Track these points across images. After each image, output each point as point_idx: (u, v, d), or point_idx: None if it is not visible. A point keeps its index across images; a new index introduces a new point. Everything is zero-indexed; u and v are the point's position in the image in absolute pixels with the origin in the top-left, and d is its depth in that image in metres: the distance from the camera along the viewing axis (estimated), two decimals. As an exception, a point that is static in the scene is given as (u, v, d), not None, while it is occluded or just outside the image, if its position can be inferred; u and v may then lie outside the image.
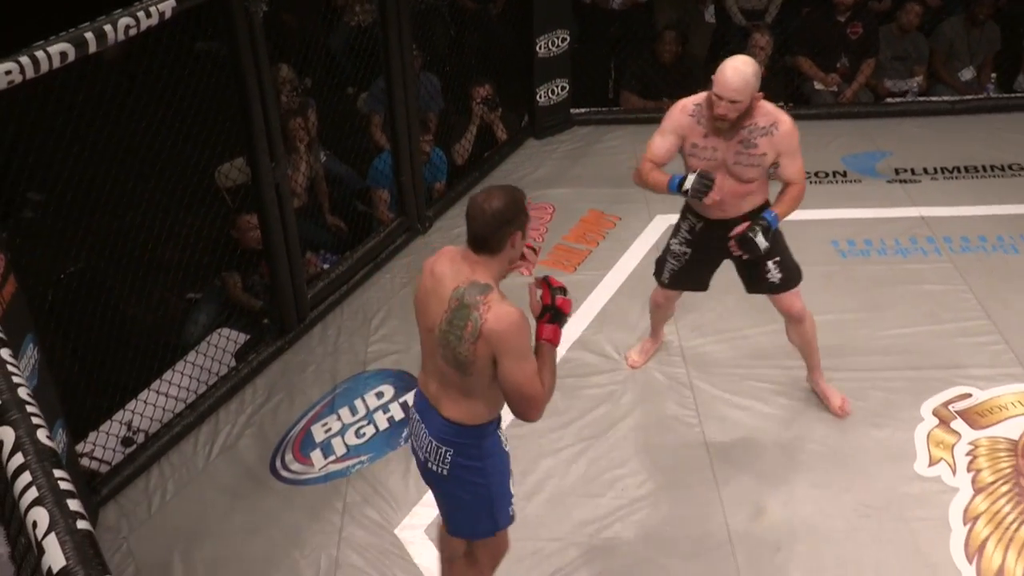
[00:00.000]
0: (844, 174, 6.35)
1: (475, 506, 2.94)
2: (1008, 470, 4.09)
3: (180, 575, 3.69)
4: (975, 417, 4.36)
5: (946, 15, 7.22)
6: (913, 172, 6.35)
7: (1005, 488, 4.00)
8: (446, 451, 2.84)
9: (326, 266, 5.23)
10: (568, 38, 6.52)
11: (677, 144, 3.82)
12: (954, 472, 4.08)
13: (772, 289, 4.03)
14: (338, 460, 4.19)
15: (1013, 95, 7.19)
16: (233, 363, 4.64)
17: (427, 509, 3.88)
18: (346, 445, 4.26)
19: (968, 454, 4.17)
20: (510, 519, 3.02)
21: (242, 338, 4.77)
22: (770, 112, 3.71)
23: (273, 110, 4.37)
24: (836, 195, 6.07)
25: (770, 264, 3.95)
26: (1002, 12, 7.25)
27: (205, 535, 3.85)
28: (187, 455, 4.23)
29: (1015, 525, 3.84)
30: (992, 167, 6.39)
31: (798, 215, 5.76)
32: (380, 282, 5.28)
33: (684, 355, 4.69)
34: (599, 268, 5.35)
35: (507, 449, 2.94)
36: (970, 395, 4.46)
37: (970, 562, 3.70)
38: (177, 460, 4.20)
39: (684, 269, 4.12)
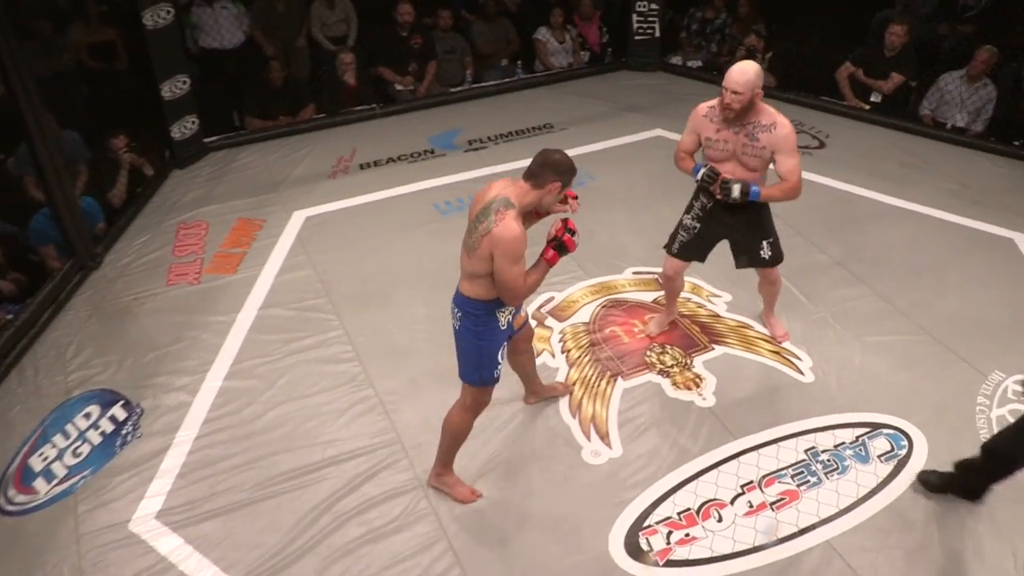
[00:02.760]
0: (432, 151, 6.43)
1: (471, 358, 3.21)
2: (586, 344, 4.39)
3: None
4: (559, 313, 4.62)
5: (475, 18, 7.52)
6: (481, 141, 6.57)
7: (587, 358, 4.29)
8: (458, 313, 3.15)
9: (10, 316, 4.53)
10: (188, 80, 6.05)
11: (696, 138, 3.82)
12: (554, 356, 4.31)
13: (762, 263, 4.02)
14: (61, 482, 3.69)
15: (534, 75, 7.60)
16: (-65, 424, 3.92)
17: (154, 500, 3.59)
18: (66, 467, 3.75)
19: (560, 340, 4.41)
20: (493, 379, 3.25)
21: (-61, 399, 4.04)
22: (772, 115, 3.66)
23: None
24: (430, 168, 6.15)
25: (764, 244, 3.96)
26: (510, 13, 7.65)
27: (-58, 587, 3.26)
28: (-95, 520, 3.53)
29: (596, 381, 4.15)
30: (532, 128, 6.75)
31: (405, 188, 5.88)
32: (66, 320, 4.66)
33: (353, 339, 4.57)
34: (256, 265, 5.05)
35: (504, 329, 3.19)
36: (553, 298, 4.71)
37: (574, 417, 3.95)
38: None
39: (691, 242, 4.03)
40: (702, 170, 3.77)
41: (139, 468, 3.73)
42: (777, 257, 4.04)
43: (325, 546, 3.37)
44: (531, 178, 3.00)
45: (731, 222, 3.92)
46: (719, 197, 3.79)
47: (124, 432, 3.93)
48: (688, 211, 4.04)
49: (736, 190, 3.71)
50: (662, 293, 4.73)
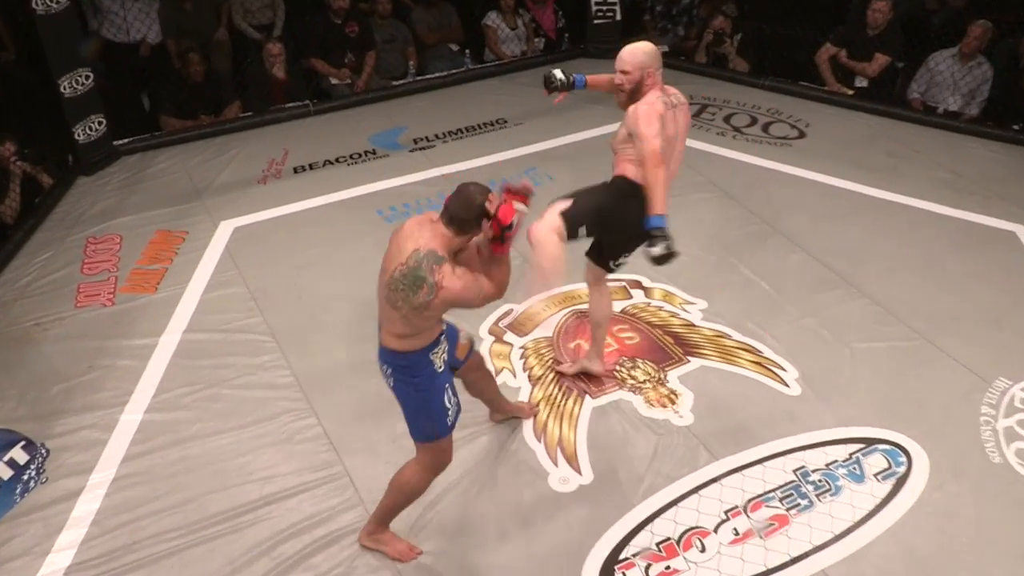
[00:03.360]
0: (374, 152, 6.41)
1: (418, 415, 3.15)
2: (550, 361, 4.40)
3: None
4: (519, 327, 4.63)
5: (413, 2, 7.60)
6: (427, 139, 6.57)
7: (551, 376, 4.30)
8: (388, 370, 3.12)
9: None
10: (91, 75, 5.96)
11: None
12: (515, 375, 4.32)
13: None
14: (-45, 537, 3.58)
15: (484, 65, 7.64)
16: None
17: (62, 554, 3.49)
18: (-42, 521, 3.66)
19: (521, 357, 4.42)
20: (448, 429, 3.18)
21: None
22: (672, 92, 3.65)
23: None
24: (371, 171, 6.14)
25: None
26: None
27: None
28: None
29: (562, 400, 4.16)
30: (483, 124, 6.79)
31: (344, 194, 5.86)
32: (-44, 350, 4.56)
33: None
34: (179, 283, 4.98)
35: (439, 370, 3.12)
36: (511, 311, 4.72)
37: (539, 440, 3.96)
38: None
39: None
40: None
41: (44, 517, 3.63)
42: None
43: (263, 596, 3.33)
44: (455, 225, 2.90)
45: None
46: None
47: (26, 477, 3.83)
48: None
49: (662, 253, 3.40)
50: (631, 302, 4.78)
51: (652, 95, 3.55)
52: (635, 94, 3.58)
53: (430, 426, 3.16)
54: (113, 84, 6.48)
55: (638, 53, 3.56)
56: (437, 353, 3.10)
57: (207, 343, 4.54)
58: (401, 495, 3.33)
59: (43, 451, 3.95)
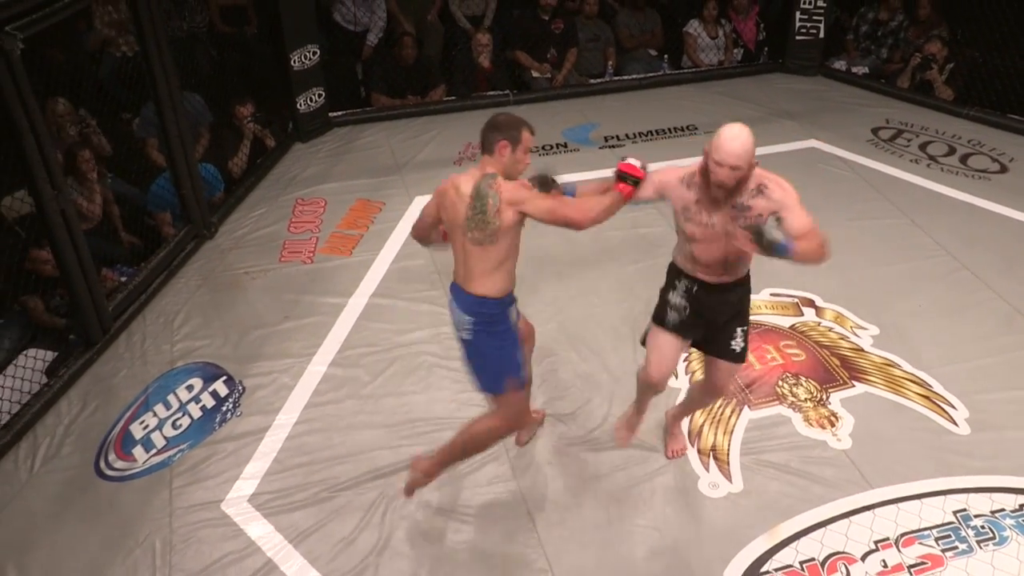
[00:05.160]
0: (565, 145, 6.46)
1: (494, 366, 3.18)
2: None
3: (18, 583, 3.33)
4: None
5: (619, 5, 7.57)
6: (618, 138, 6.55)
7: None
8: (470, 321, 3.13)
9: (124, 279, 4.81)
10: (318, 51, 6.30)
11: (653, 196, 3.20)
12: (676, 376, 4.23)
13: (730, 356, 3.40)
14: (159, 452, 3.88)
15: (680, 71, 7.52)
16: (45, 380, 4.20)
17: (248, 482, 3.72)
18: (165, 438, 3.96)
19: (685, 360, 4.33)
20: (522, 381, 3.24)
21: (50, 356, 4.31)
22: (754, 175, 3.01)
23: (47, 142, 3.94)
24: (561, 163, 6.12)
25: (739, 332, 3.36)
26: (658, 3, 7.64)
27: (38, 542, 3.48)
28: (8, 472, 3.79)
29: (720, 408, 4.06)
30: (674, 129, 6.69)
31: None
32: (176, 287, 4.92)
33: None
34: (372, 249, 5.19)
35: (514, 325, 3.18)
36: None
37: (692, 444, 3.89)
38: None
39: (687, 321, 3.32)
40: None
41: (236, 448, 3.89)
42: (744, 354, 3.43)
43: (417, 549, 3.43)
44: (484, 150, 3.08)
45: (715, 304, 3.31)
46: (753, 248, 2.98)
47: (224, 409, 4.11)
48: (672, 288, 3.35)
49: (772, 229, 2.91)
50: (801, 319, 4.60)
51: (758, 172, 3.03)
52: (734, 192, 3.01)
53: (513, 376, 3.20)
54: (334, 60, 6.78)
55: (748, 146, 2.92)
56: (512, 308, 3.18)
57: (391, 309, 4.71)
58: (472, 445, 3.37)
59: (240, 387, 4.22)
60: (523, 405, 3.35)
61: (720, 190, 2.98)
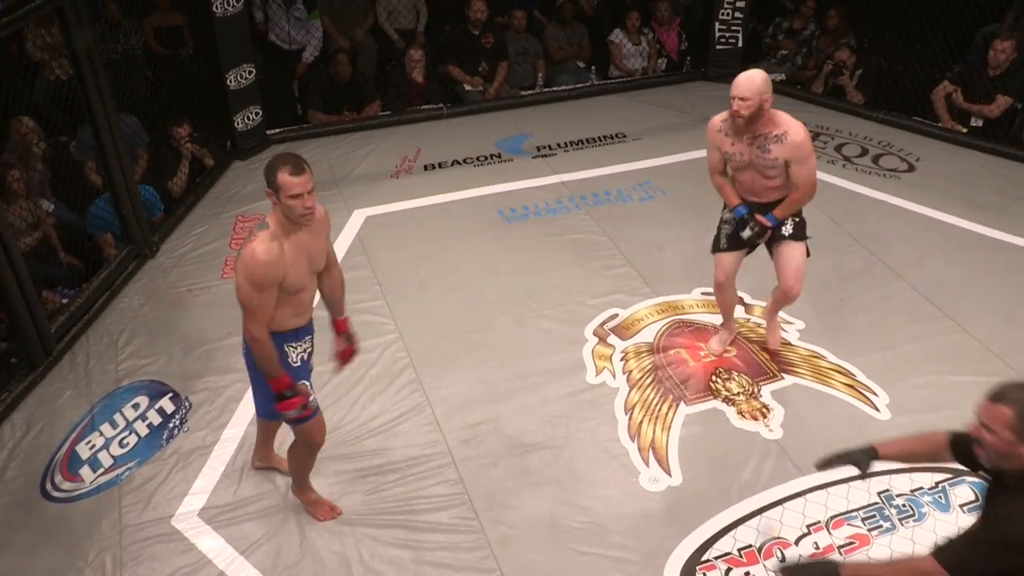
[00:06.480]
0: (499, 156, 6.48)
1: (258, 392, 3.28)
2: (649, 365, 4.37)
3: (-34, 612, 3.23)
4: (622, 331, 4.61)
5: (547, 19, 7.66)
6: (550, 147, 6.60)
7: (648, 380, 4.27)
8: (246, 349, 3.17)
9: (65, 300, 4.69)
10: (254, 70, 6.23)
11: (719, 154, 3.91)
12: (614, 376, 4.30)
13: (786, 238, 4.00)
14: (107, 471, 3.81)
15: (608, 81, 7.61)
16: (-14, 405, 4.08)
17: (198, 497, 3.68)
18: (112, 456, 3.88)
19: (622, 359, 4.40)
20: (270, 414, 3.28)
21: (-9, 381, 4.20)
22: (784, 122, 3.73)
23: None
24: (495, 173, 6.21)
25: (788, 220, 3.97)
26: (585, 17, 7.70)
27: (-15, 569, 3.38)
28: (-47, 499, 3.68)
29: (657, 405, 4.12)
30: (603, 137, 6.76)
31: (469, 192, 5.94)
32: (120, 307, 4.82)
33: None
34: (313, 262, 5.14)
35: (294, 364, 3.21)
36: (617, 315, 4.71)
37: (632, 440, 3.94)
38: (-56, 506, 3.65)
39: (735, 232, 4.04)
40: (746, 229, 3.97)
41: (185, 463, 3.83)
42: (801, 234, 4.03)
43: (368, 554, 3.42)
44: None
45: (762, 210, 3.97)
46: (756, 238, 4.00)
47: (171, 425, 4.04)
48: (726, 208, 4.11)
49: (748, 230, 3.95)
50: (732, 316, 4.72)
51: (784, 120, 3.72)
52: (753, 120, 3.67)
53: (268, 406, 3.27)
54: (270, 79, 6.72)
55: (756, 81, 3.63)
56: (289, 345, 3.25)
57: (335, 320, 4.67)
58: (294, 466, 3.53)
59: (187, 404, 4.15)
60: (316, 431, 3.32)
61: (739, 119, 3.64)
